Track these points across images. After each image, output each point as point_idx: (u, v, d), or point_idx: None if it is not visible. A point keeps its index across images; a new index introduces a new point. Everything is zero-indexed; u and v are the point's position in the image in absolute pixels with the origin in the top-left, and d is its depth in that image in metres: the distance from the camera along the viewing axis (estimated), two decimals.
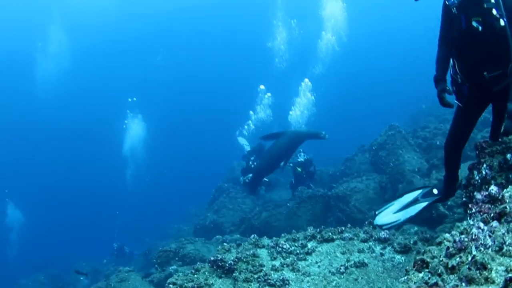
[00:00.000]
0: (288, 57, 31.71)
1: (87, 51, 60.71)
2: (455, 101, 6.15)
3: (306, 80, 24.69)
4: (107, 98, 56.39)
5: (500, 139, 5.09)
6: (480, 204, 3.58)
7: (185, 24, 65.91)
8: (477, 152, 5.33)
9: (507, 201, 3.52)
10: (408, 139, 17.02)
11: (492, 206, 3.50)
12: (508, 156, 4.46)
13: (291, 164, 18.46)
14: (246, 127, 24.75)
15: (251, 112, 25.48)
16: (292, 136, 17.67)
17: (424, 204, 7.28)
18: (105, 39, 63.02)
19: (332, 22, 30.83)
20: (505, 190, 3.68)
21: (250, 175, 18.13)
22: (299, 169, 18.07)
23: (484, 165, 4.88)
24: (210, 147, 51.35)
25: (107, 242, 26.23)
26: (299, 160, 18.43)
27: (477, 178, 5.00)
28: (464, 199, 5.37)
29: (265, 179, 18.83)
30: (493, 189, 3.63)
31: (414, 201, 7.38)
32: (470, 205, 3.76)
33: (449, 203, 11.60)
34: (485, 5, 5.28)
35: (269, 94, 25.66)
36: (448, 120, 21.30)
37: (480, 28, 5.38)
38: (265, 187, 19.63)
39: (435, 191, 7.02)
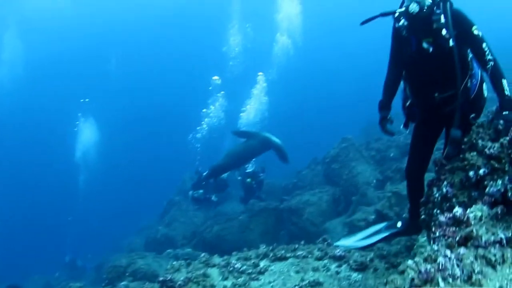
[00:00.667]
0: (243, 60, 31.55)
1: (42, 57, 59.84)
2: (401, 128, 5.98)
3: (257, 86, 24.67)
4: (60, 102, 55.51)
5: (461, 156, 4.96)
6: (444, 227, 3.38)
7: (140, 29, 65.39)
8: (436, 168, 5.14)
9: (472, 223, 3.35)
10: (361, 152, 17.00)
11: (457, 229, 3.30)
12: (471, 173, 4.28)
13: (239, 177, 18.23)
14: (198, 128, 24.53)
15: (204, 110, 25.23)
16: (263, 141, 17.42)
17: (383, 235, 7.06)
18: (61, 45, 62.09)
19: (287, 24, 30.86)
20: (468, 210, 3.51)
21: (200, 191, 17.79)
22: (249, 180, 17.80)
23: (445, 182, 4.69)
24: (162, 154, 50.81)
25: (59, 253, 25.97)
26: (247, 170, 18.16)
27: (436, 195, 4.80)
28: (423, 216, 5.17)
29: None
30: (458, 211, 3.43)
31: (377, 232, 7.15)
32: (433, 228, 3.56)
33: (404, 215, 11.58)
34: (434, 25, 5.13)
35: (222, 92, 25.50)
36: (401, 133, 21.56)
37: (431, 49, 5.21)
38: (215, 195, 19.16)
39: (399, 224, 6.79)
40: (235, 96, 25.46)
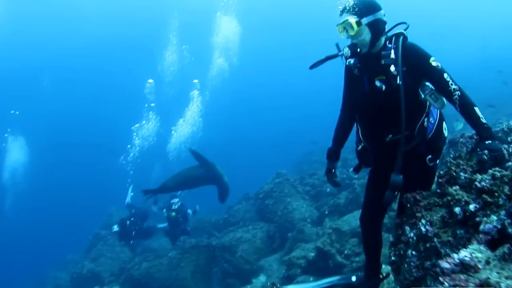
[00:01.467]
0: (177, 82, 31.19)
1: None
2: (351, 171, 5.51)
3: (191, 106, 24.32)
4: None
5: (439, 190, 4.53)
6: (452, 275, 2.89)
7: (75, 48, 64.90)
8: (408, 205, 4.67)
9: (480, 267, 2.89)
10: (296, 187, 16.69)
11: (468, 276, 2.83)
12: (457, 209, 3.85)
13: (164, 210, 17.50)
14: (129, 146, 24.07)
15: (136, 125, 24.76)
16: (216, 175, 16.61)
17: (333, 280, 6.54)
18: None
19: (224, 46, 30.62)
20: (470, 253, 3.05)
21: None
22: (173, 214, 17.06)
23: (422, 221, 4.23)
24: (91, 180, 49.41)
25: None
26: (173, 204, 17.43)
27: (411, 235, 4.33)
28: (393, 258, 4.67)
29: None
30: (466, 255, 2.96)
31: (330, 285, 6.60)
32: (440, 278, 3.07)
33: (346, 251, 11.26)
34: (383, 61, 4.72)
35: (153, 104, 25.10)
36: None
37: (383, 87, 4.75)
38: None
39: (353, 278, 6.24)
40: (168, 117, 25.06)
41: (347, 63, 5.01)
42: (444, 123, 5.04)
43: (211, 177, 16.62)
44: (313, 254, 11.45)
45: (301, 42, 71.70)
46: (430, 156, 4.84)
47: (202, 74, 30.31)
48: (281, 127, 58.89)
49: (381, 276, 5.96)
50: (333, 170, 5.54)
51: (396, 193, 4.68)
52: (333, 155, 5.56)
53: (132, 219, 16.69)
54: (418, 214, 4.39)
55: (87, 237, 21.91)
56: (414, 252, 4.27)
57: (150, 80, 25.62)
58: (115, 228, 16.82)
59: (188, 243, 15.33)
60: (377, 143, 5.00)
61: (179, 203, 17.18)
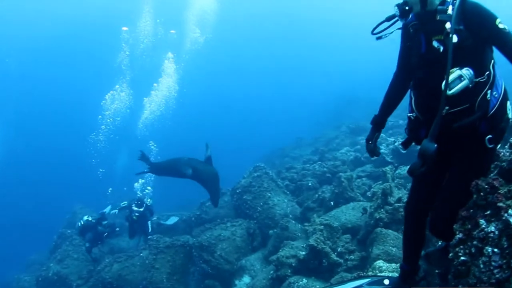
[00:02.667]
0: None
1: None
2: (398, 145, 4.76)
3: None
4: None
5: None
6: None
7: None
8: (481, 194, 3.84)
9: None
10: (276, 181, 15.82)
11: None
12: None
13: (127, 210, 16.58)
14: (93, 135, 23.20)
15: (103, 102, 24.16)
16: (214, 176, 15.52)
17: (361, 283, 5.71)
18: None
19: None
20: None
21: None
22: (136, 215, 16.10)
23: (510, 211, 3.41)
24: (53, 176, 48.16)
25: None
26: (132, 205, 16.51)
27: (490, 229, 3.51)
28: (462, 258, 3.85)
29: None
30: None
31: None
32: None
33: (339, 249, 10.62)
34: (438, 17, 4.05)
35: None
36: (310, 161, 20.78)
37: (441, 48, 4.10)
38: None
39: (386, 281, 5.41)
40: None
41: (405, 21, 4.33)
42: (508, 102, 4.29)
43: (208, 175, 15.55)
44: (304, 253, 10.59)
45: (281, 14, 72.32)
46: (490, 136, 4.06)
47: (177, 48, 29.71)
48: (251, 118, 58.69)
49: (417, 278, 5.18)
50: (375, 137, 5.11)
51: (423, 165, 3.95)
52: (378, 123, 5.15)
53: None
54: (501, 204, 3.57)
55: (51, 237, 20.74)
56: (496, 250, 3.47)
57: (125, 28, 24.59)
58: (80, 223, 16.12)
59: (163, 243, 14.21)
60: (432, 116, 4.10)
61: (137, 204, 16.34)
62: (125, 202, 16.75)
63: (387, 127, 23.15)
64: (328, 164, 17.57)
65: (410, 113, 4.62)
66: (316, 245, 10.14)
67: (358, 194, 13.86)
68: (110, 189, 20.31)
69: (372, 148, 5.08)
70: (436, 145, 3.87)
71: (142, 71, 29.73)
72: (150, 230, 16.10)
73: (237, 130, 57.97)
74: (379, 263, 7.98)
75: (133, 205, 16.26)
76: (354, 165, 17.53)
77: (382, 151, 16.52)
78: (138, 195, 17.21)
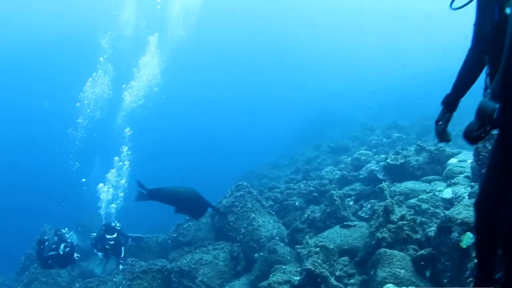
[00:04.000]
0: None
1: None
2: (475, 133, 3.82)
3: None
4: None
5: None
6: None
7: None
8: None
9: None
10: (260, 201, 14.76)
11: None
12: None
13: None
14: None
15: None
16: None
17: None
18: None
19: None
20: None
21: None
22: (110, 244, 14.88)
23: None
24: (20, 194, 46.94)
25: None
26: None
27: None
28: None
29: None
30: None
31: None
32: None
33: (337, 273, 9.60)
34: None
35: None
36: (293, 180, 19.81)
37: None
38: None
39: None
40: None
41: None
42: None
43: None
44: (298, 278, 9.51)
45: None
46: None
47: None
48: (222, 139, 58.52)
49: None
50: (446, 119, 4.58)
51: (481, 128, 3.60)
52: (450, 103, 4.55)
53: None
54: None
55: (18, 258, 19.56)
56: None
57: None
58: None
59: (138, 267, 12.97)
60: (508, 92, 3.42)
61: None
62: (94, 233, 15.49)
63: (371, 145, 22.39)
64: (314, 183, 16.59)
65: (484, 91, 4.04)
66: (313, 269, 9.02)
67: (350, 213, 12.88)
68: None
69: (442, 130, 4.57)
70: (498, 104, 3.51)
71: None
72: (122, 255, 14.92)
73: (208, 151, 57.35)
74: (389, 287, 7.55)
75: (103, 233, 15.09)
76: (341, 184, 16.59)
77: (372, 168, 15.73)
78: (103, 221, 15.98)
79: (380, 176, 14.77)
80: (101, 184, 17.67)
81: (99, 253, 14.72)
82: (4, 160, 54.08)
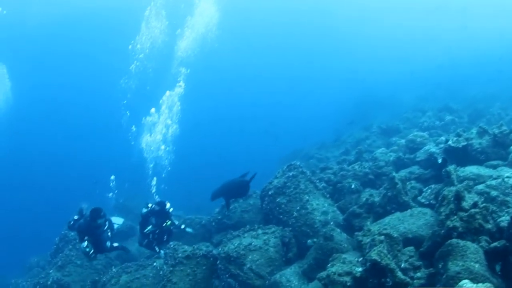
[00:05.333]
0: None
1: None
2: None
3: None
4: None
5: None
6: None
7: None
8: None
9: None
10: (314, 182, 13.91)
11: None
12: None
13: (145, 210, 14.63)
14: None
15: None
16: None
17: None
18: None
19: None
20: None
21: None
22: (168, 222, 14.19)
23: None
24: (57, 173, 47.14)
25: None
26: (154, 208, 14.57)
27: None
28: None
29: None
30: None
31: None
32: None
33: (402, 265, 8.61)
34: None
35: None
36: (345, 161, 18.95)
37: None
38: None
39: None
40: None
41: None
42: None
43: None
44: (360, 269, 8.60)
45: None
46: None
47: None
48: (267, 122, 57.96)
49: None
50: None
51: None
52: None
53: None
54: None
55: (53, 238, 19.09)
56: None
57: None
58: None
59: (181, 252, 12.23)
60: None
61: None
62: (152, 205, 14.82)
63: (423, 127, 21.42)
64: (368, 164, 15.72)
65: None
66: (379, 260, 8.11)
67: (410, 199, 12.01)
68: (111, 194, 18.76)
69: None
70: None
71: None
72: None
73: (254, 135, 56.84)
74: (465, 283, 6.77)
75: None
76: (396, 166, 15.69)
77: (432, 150, 14.81)
78: (157, 199, 15.37)
79: (440, 160, 13.85)
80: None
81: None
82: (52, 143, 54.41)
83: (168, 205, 14.27)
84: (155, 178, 17.20)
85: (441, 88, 37.38)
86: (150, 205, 14.11)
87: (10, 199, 44.82)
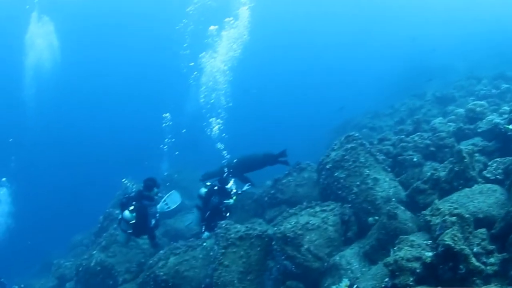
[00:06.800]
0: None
1: None
2: None
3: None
4: None
5: None
6: None
7: None
8: None
9: None
10: (375, 155, 13.16)
11: None
12: None
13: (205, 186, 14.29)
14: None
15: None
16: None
17: None
18: None
19: None
20: None
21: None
22: (232, 200, 13.82)
23: None
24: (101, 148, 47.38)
25: None
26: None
27: None
28: None
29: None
30: None
31: None
32: None
33: (475, 249, 7.80)
34: None
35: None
36: (402, 131, 18.21)
37: None
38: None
39: None
40: None
41: None
42: None
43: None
44: (430, 254, 7.90)
45: None
46: None
47: None
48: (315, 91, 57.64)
49: None
50: None
51: None
52: None
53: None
54: None
55: (97, 216, 18.88)
56: None
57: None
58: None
59: (234, 232, 11.66)
60: None
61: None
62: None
63: (480, 95, 20.56)
64: (428, 135, 14.97)
65: None
66: (453, 245, 7.44)
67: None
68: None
69: None
70: None
71: None
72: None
73: (302, 104, 56.35)
74: None
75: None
76: (456, 137, 14.85)
77: (496, 121, 14.00)
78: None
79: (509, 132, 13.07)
80: None
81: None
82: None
83: (231, 183, 14.06)
84: (221, 142, 16.75)
85: (494, 55, 36.22)
86: (208, 184, 13.92)
87: (55, 172, 45.06)
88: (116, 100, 61.65)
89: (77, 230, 23.85)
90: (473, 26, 50.67)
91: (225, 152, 16.54)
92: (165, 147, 20.70)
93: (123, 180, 17.86)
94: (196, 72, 21.55)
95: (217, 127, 17.25)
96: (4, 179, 28.42)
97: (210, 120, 17.92)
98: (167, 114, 21.64)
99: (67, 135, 51.69)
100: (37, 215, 37.44)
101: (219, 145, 16.51)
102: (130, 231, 13.05)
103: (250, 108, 46.73)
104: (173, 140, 20.72)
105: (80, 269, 15.49)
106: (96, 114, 58.58)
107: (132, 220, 12.74)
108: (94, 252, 15.55)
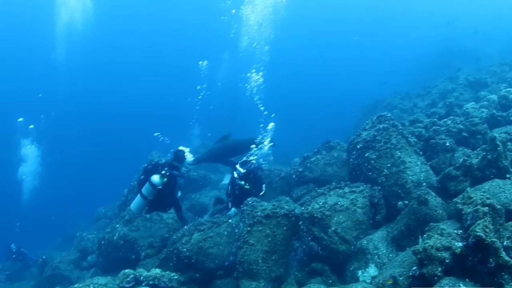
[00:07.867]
0: None
1: None
2: None
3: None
4: None
5: None
6: None
7: None
8: None
9: None
10: (407, 137, 12.96)
11: None
12: None
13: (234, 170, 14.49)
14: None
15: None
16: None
17: None
18: None
19: None
20: None
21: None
22: (248, 186, 13.80)
23: None
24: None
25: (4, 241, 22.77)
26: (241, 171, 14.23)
27: None
28: None
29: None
30: None
31: None
32: None
33: (505, 242, 7.66)
34: None
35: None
36: (435, 114, 18.00)
37: None
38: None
39: None
40: None
41: None
42: None
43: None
44: (461, 245, 7.77)
45: None
46: None
47: None
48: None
49: None
50: None
51: None
52: None
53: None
54: None
55: (122, 189, 18.89)
56: None
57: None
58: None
59: (260, 210, 11.54)
60: None
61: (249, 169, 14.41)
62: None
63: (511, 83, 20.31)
64: (460, 120, 14.74)
65: None
66: (484, 237, 7.33)
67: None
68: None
69: None
70: None
71: None
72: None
73: (332, 84, 56.32)
74: None
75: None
76: (489, 124, 14.60)
77: None
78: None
79: None
80: None
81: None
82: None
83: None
84: (272, 124, 16.71)
85: None
86: (238, 166, 14.19)
87: (82, 138, 45.40)
88: (148, 72, 61.60)
89: (101, 203, 23.94)
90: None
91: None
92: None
93: (156, 133, 17.90)
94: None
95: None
96: (32, 126, 28.72)
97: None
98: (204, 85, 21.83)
99: (94, 103, 51.94)
100: (62, 184, 37.79)
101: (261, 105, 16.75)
102: (151, 198, 12.86)
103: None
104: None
105: (103, 242, 15.53)
106: (126, 84, 58.68)
107: (159, 186, 12.61)
108: (117, 225, 15.48)
